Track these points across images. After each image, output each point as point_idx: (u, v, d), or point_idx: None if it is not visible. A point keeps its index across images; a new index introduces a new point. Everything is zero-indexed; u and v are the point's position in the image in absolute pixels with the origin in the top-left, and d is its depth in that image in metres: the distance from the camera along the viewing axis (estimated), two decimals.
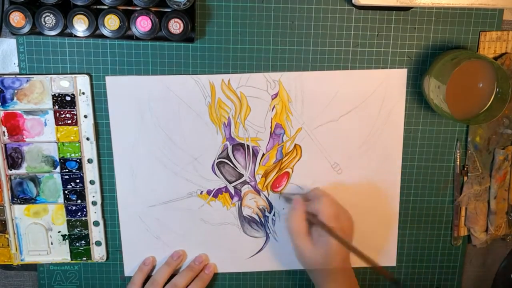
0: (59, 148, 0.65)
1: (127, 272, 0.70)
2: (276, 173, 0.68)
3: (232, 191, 0.69)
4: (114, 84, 0.64)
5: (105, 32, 0.59)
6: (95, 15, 0.59)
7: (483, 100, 0.62)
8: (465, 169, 0.69)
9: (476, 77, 0.61)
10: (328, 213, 0.61)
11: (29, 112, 0.64)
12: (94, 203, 0.67)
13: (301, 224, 0.62)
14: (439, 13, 0.64)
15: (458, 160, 0.69)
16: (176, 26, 0.59)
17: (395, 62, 0.65)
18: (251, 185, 0.68)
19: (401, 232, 0.71)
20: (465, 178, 0.69)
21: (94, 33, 0.59)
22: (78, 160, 0.66)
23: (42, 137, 0.65)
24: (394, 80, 0.66)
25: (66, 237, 0.68)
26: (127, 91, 0.65)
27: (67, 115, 0.64)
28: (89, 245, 0.69)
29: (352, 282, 0.64)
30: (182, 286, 0.67)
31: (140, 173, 0.67)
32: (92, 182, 0.67)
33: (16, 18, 0.58)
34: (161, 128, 0.66)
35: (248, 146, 0.67)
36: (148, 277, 0.68)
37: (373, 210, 0.70)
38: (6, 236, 0.68)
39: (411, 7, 0.63)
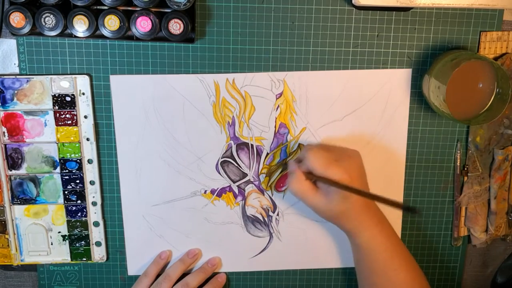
0: (59, 148, 0.65)
1: (131, 271, 0.70)
2: (280, 172, 0.68)
3: (236, 191, 0.69)
4: (119, 83, 0.64)
5: (105, 32, 0.59)
6: (95, 15, 0.59)
7: (483, 101, 0.62)
8: (466, 169, 0.69)
9: (476, 77, 0.61)
10: (318, 166, 0.59)
11: (29, 113, 0.64)
12: (94, 204, 0.67)
13: (304, 184, 0.60)
14: (439, 14, 0.64)
15: (459, 160, 0.69)
16: (176, 26, 0.59)
17: (395, 62, 0.65)
18: (255, 184, 0.68)
19: (401, 232, 0.71)
20: (465, 178, 0.69)
21: (94, 33, 0.59)
22: (78, 160, 0.66)
23: (42, 137, 0.65)
24: (399, 80, 0.66)
25: (66, 237, 0.68)
26: (131, 90, 0.64)
27: (67, 116, 0.64)
28: (89, 246, 0.69)
29: (379, 216, 0.62)
30: (193, 286, 0.67)
31: (144, 172, 0.67)
32: (92, 183, 0.67)
33: (16, 19, 0.58)
34: (165, 127, 0.66)
35: (252, 145, 0.67)
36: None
37: None
38: (6, 236, 0.68)
39: (411, 8, 0.63)
